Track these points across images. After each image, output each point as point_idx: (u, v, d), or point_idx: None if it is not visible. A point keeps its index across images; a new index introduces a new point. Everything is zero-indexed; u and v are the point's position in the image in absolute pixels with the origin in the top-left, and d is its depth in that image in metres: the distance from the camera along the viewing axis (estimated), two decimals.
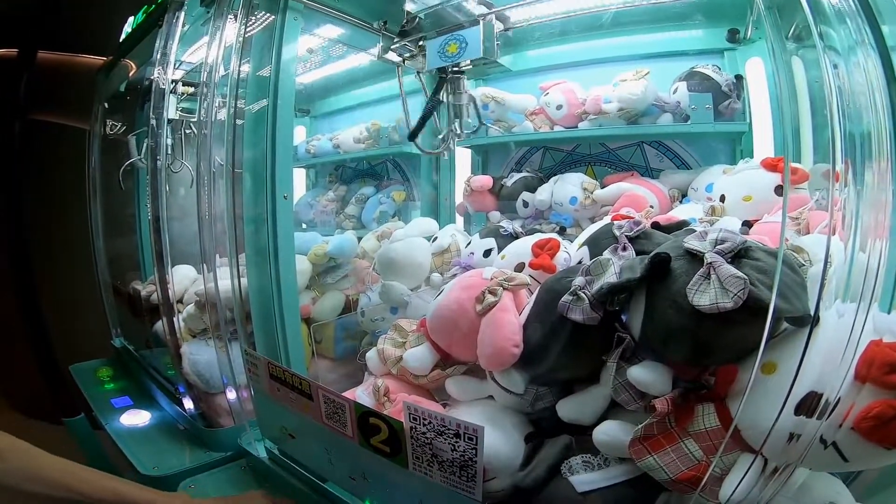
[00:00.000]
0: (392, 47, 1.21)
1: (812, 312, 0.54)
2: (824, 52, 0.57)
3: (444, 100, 1.23)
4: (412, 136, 1.22)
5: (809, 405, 0.52)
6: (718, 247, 0.62)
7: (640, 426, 0.64)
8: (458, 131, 1.24)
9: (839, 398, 0.51)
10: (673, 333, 0.62)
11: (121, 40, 1.88)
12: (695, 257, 0.63)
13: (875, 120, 0.56)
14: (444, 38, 1.12)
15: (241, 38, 1.07)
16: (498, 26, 1.13)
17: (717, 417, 0.62)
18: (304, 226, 2.22)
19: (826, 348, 0.53)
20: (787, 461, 0.56)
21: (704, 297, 0.58)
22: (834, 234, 0.56)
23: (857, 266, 0.53)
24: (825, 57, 0.57)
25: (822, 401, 0.52)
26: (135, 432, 1.38)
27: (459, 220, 1.81)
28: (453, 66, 1.16)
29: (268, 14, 1.11)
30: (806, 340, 0.53)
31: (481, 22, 1.07)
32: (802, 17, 0.58)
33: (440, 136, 1.29)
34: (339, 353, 1.41)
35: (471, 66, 1.18)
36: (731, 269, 0.58)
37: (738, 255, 0.62)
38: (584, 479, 0.68)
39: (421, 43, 1.18)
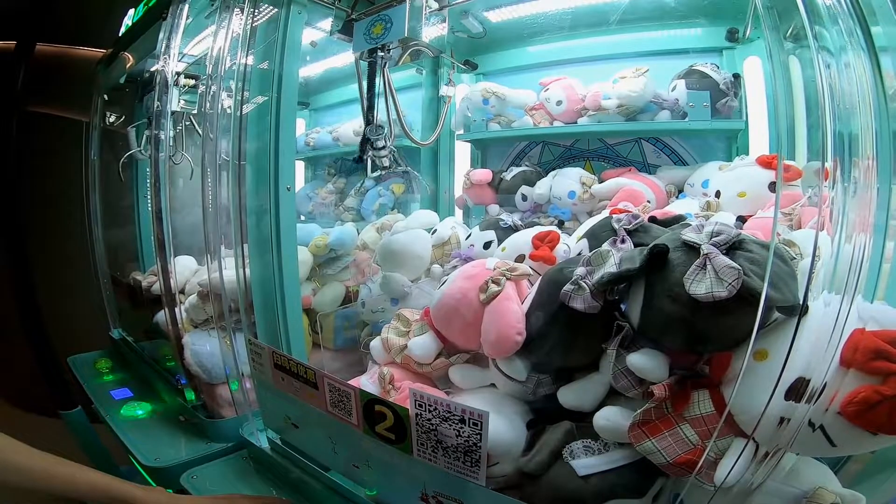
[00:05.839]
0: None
1: (801, 302, 0.56)
2: (818, 52, 0.58)
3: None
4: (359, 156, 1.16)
5: (798, 390, 0.55)
6: (714, 239, 0.64)
7: (638, 411, 0.66)
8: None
9: (825, 383, 0.54)
10: (670, 321, 0.64)
11: (121, 33, 1.86)
12: (691, 249, 0.65)
13: (863, 119, 0.58)
14: (370, 19, 1.03)
15: (247, 30, 1.07)
16: (432, 5, 1.05)
17: (712, 403, 0.64)
18: (302, 218, 2.22)
19: (814, 336, 0.55)
20: (778, 445, 0.58)
21: (700, 286, 0.61)
22: (822, 229, 0.58)
23: (842, 259, 0.55)
24: (819, 57, 0.58)
25: (810, 386, 0.54)
26: (135, 424, 1.37)
27: (458, 212, 1.82)
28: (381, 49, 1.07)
29: (272, 7, 1.11)
30: (795, 328, 0.55)
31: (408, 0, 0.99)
32: (801, 17, 0.60)
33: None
34: (339, 344, 1.41)
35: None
36: (726, 260, 0.60)
37: (733, 247, 0.64)
38: (584, 463, 0.70)
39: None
